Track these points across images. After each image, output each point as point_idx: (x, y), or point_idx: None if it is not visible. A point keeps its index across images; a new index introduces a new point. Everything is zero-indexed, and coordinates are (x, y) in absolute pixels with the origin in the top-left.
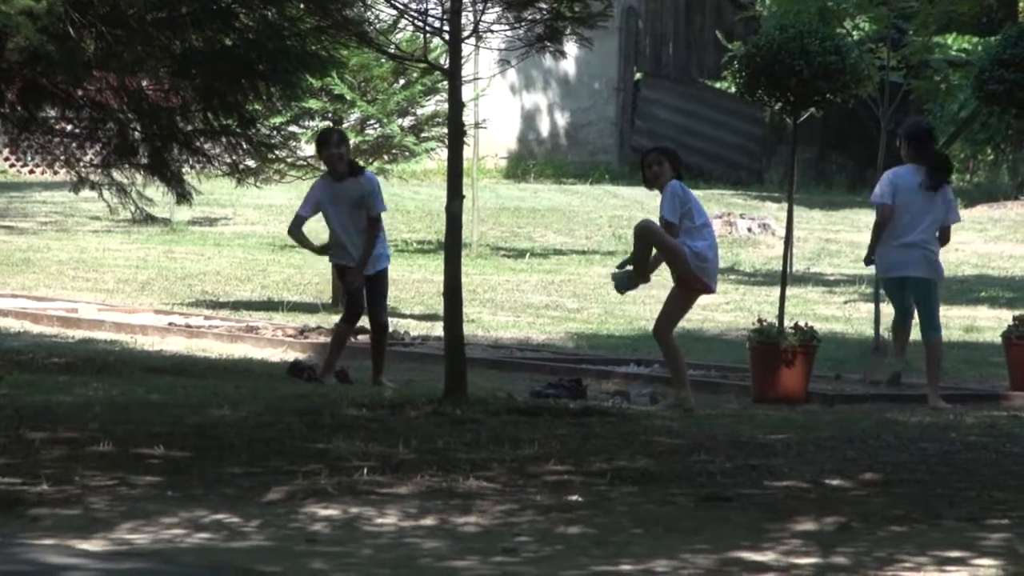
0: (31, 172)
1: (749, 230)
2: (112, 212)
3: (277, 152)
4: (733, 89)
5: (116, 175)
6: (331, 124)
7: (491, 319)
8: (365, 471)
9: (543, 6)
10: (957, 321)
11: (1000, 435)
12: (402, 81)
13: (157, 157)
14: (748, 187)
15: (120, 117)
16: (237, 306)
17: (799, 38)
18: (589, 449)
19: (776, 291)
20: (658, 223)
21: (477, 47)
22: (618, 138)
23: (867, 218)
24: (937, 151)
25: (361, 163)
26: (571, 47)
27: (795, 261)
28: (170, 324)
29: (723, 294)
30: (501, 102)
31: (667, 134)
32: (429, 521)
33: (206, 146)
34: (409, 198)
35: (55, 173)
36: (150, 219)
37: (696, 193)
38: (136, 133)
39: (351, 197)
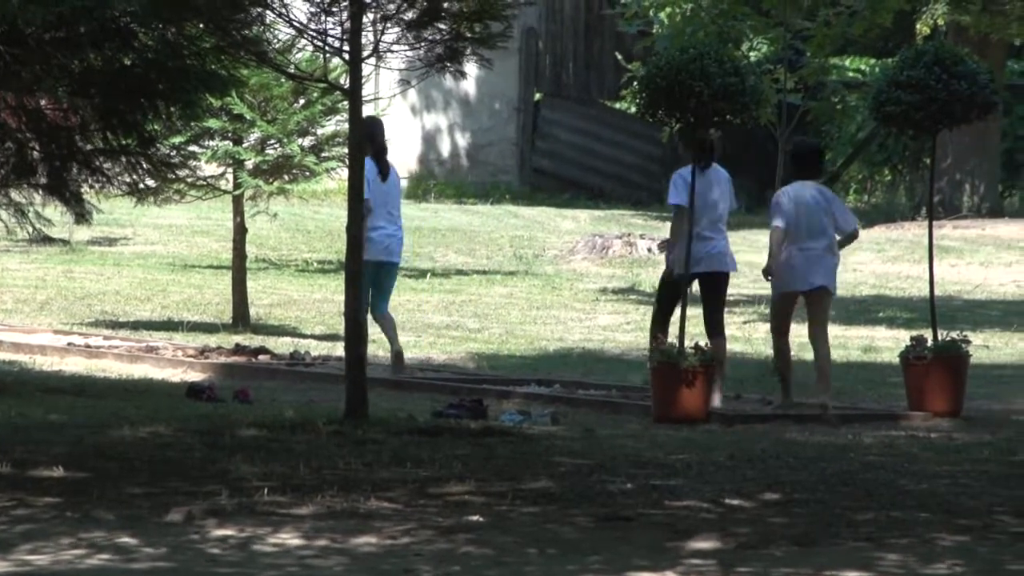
0: None
1: (649, 250)
2: (10, 232)
3: (177, 172)
4: (633, 110)
5: (14, 195)
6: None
7: None
8: (266, 492)
9: (443, 27)
10: (855, 341)
11: (898, 455)
12: (302, 101)
13: (56, 177)
14: (648, 207)
15: (18, 137)
16: (137, 326)
17: (699, 59)
18: (490, 469)
19: (676, 311)
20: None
21: (377, 67)
22: (519, 158)
23: (766, 238)
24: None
25: (259, 183)
26: (471, 68)
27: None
28: (69, 344)
29: (624, 314)
30: (402, 122)
31: (568, 154)
32: (330, 542)
33: (105, 166)
34: (309, 218)
35: None
36: (47, 240)
37: (596, 213)
38: (35, 153)
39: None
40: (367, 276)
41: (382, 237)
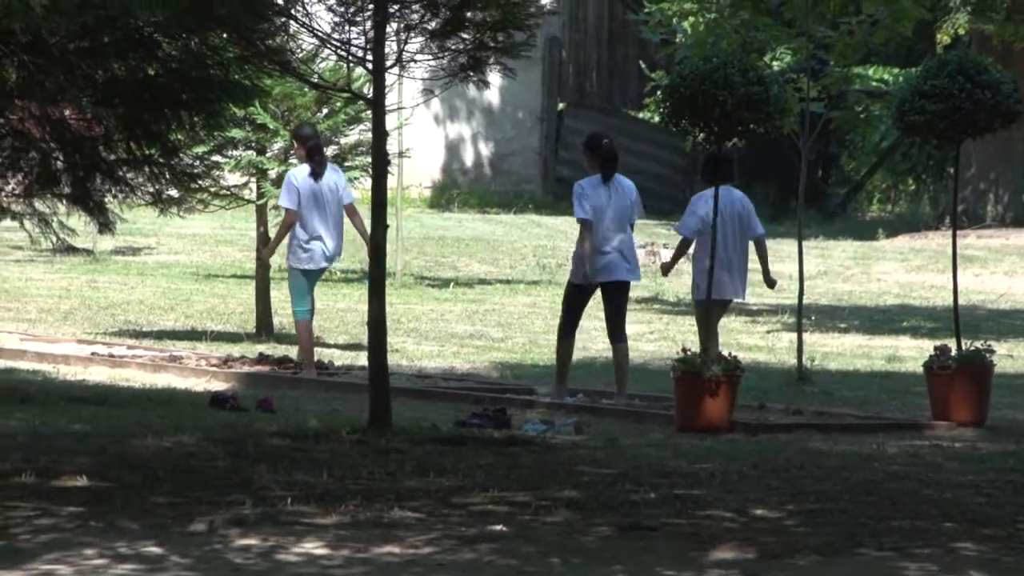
0: None
1: None
2: (34, 242)
3: (200, 181)
4: (656, 119)
5: (38, 205)
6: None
7: (415, 349)
8: (289, 501)
9: (466, 36)
10: (879, 351)
11: (922, 465)
12: (325, 110)
13: (80, 187)
14: (671, 217)
15: (42, 147)
16: (161, 336)
17: (722, 68)
18: (513, 479)
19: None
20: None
21: (400, 76)
22: (542, 168)
23: (789, 248)
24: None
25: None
26: (495, 77)
27: None
28: (93, 354)
29: (647, 323)
30: (425, 132)
31: None
32: (353, 551)
33: (129, 175)
34: None
35: None
36: (71, 250)
37: None
38: (59, 163)
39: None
40: (306, 282)
41: (319, 247)
